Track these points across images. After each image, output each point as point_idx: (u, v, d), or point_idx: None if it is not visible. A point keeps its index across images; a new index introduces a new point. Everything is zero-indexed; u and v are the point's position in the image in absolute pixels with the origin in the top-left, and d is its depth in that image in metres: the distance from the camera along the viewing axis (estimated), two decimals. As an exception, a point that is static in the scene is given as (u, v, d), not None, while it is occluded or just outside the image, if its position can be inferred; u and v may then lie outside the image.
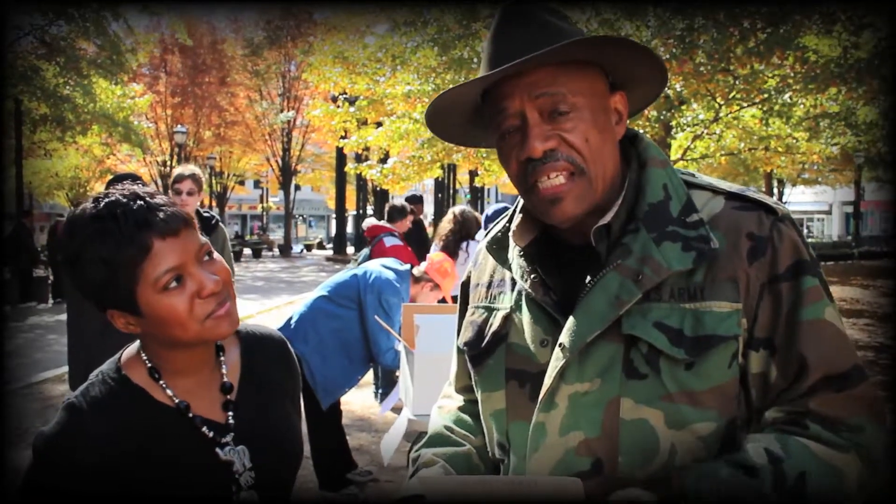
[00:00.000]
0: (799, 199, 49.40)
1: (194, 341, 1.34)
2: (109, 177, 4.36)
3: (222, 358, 1.48)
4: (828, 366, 1.18)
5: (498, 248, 1.43)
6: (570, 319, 1.25)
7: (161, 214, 1.29)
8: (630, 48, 1.25)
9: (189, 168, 4.71)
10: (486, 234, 1.49)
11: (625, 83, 1.33)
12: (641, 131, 1.40)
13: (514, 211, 1.43)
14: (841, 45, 10.71)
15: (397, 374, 5.19)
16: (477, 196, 36.38)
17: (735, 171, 26.39)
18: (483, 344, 1.40)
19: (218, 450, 1.40)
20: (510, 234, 1.40)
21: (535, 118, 1.24)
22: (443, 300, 5.12)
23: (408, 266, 4.98)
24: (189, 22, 31.16)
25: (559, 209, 1.25)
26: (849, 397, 1.17)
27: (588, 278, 1.27)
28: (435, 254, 5.31)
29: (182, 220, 1.31)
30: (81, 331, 3.84)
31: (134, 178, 4.20)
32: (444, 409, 1.58)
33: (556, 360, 1.25)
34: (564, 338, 1.24)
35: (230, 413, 1.44)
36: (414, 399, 3.74)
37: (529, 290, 1.33)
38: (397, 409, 5.93)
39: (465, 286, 1.55)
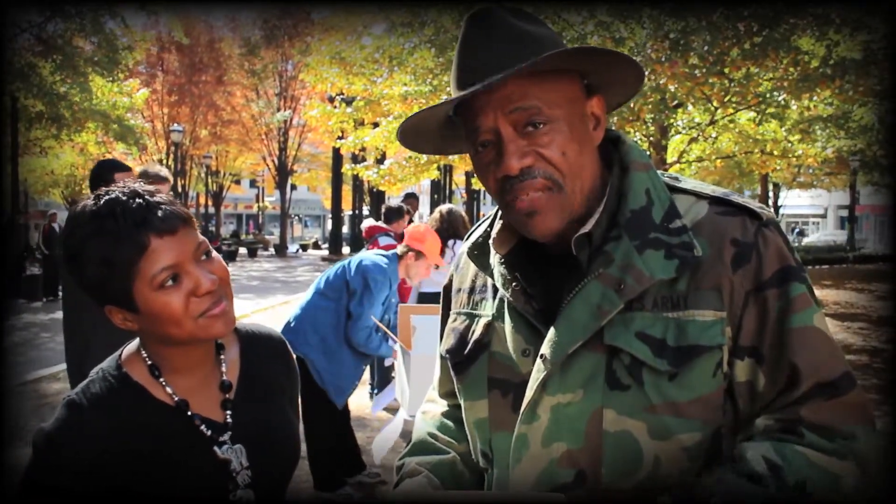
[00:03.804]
0: (794, 202, 49.49)
1: (189, 339, 1.35)
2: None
3: (222, 356, 1.49)
4: (818, 373, 1.16)
5: (479, 254, 1.41)
6: (552, 330, 1.23)
7: (159, 213, 1.29)
8: (604, 55, 1.22)
9: (165, 171, 4.72)
10: (467, 239, 1.47)
11: (601, 86, 1.30)
12: (624, 133, 1.38)
13: (495, 216, 1.41)
14: (824, 44, 10.75)
15: (393, 374, 5.20)
16: (473, 197, 36.37)
17: (731, 175, 26.39)
18: (465, 352, 1.38)
19: (216, 448, 1.40)
20: (491, 240, 1.37)
21: (509, 134, 1.21)
22: (437, 297, 5.12)
23: (394, 250, 4.99)
24: (186, 20, 31.14)
25: (536, 223, 1.23)
26: (839, 404, 1.15)
27: (569, 287, 1.25)
28: (411, 225, 5.29)
29: (180, 218, 1.32)
30: (77, 327, 3.84)
31: (117, 164, 4.18)
32: (429, 414, 1.57)
33: (538, 372, 1.23)
34: (546, 349, 1.22)
35: (228, 412, 1.45)
36: (410, 399, 3.75)
37: (511, 299, 1.31)
38: (391, 409, 5.94)
39: (447, 291, 1.53)
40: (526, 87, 1.20)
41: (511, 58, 1.19)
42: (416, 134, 1.36)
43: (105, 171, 4.13)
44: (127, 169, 4.17)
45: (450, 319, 1.48)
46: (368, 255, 4.81)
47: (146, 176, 4.54)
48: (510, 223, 1.33)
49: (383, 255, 4.82)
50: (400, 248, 4.88)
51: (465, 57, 1.25)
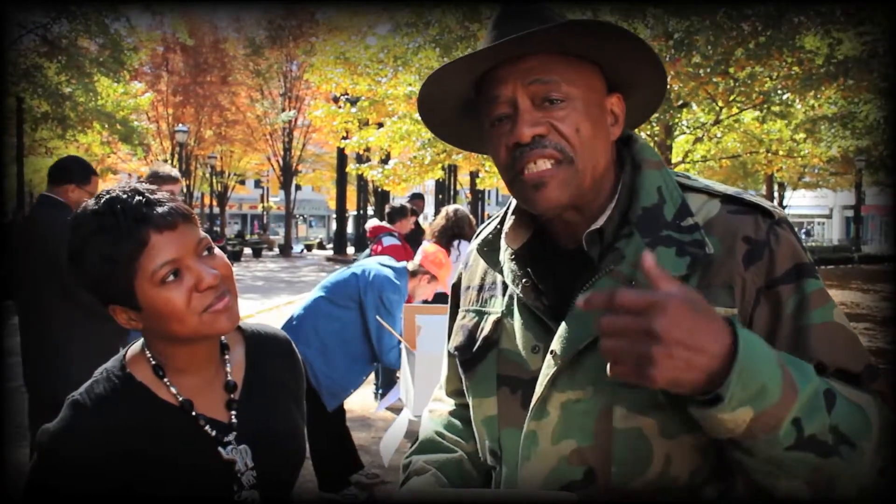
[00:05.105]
0: (799, 202, 49.35)
1: (193, 336, 1.34)
2: (110, 175, 4.35)
3: (227, 356, 1.48)
4: (841, 366, 1.15)
5: (489, 251, 1.41)
6: (562, 326, 1.23)
7: (159, 209, 1.30)
8: (629, 41, 1.22)
9: (175, 171, 4.72)
10: (477, 236, 1.47)
11: (623, 87, 1.31)
12: (636, 133, 1.38)
13: (506, 212, 1.41)
14: (827, 43, 10.74)
15: (398, 374, 5.18)
16: (477, 198, 36.37)
17: (736, 175, 26.36)
18: (474, 349, 1.38)
19: (220, 449, 1.40)
20: (502, 235, 1.37)
21: (526, 105, 1.22)
22: (443, 295, 5.11)
23: (404, 263, 4.97)
24: (191, 21, 31.19)
25: (542, 194, 1.22)
26: (860, 389, 1.14)
27: (581, 283, 1.24)
28: (428, 245, 5.29)
29: (180, 214, 1.32)
30: (48, 332, 3.82)
31: (87, 165, 4.13)
32: (435, 413, 1.57)
33: (548, 368, 1.23)
34: (556, 345, 1.22)
35: (233, 412, 1.44)
36: (415, 399, 3.74)
37: (521, 295, 1.31)
38: (395, 409, 5.93)
39: (456, 288, 1.53)
40: (549, 64, 1.22)
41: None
42: (436, 110, 1.36)
43: (72, 164, 4.06)
44: (94, 172, 4.11)
45: (458, 317, 1.48)
46: (379, 269, 4.71)
47: (156, 176, 4.55)
48: (516, 200, 1.32)
49: (392, 269, 4.76)
50: (412, 266, 4.85)
51: (494, 31, 1.27)
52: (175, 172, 4.65)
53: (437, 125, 1.42)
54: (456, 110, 1.37)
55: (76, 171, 3.99)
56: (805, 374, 1.03)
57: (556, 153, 1.21)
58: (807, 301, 1.17)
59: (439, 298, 5.22)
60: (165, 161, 34.15)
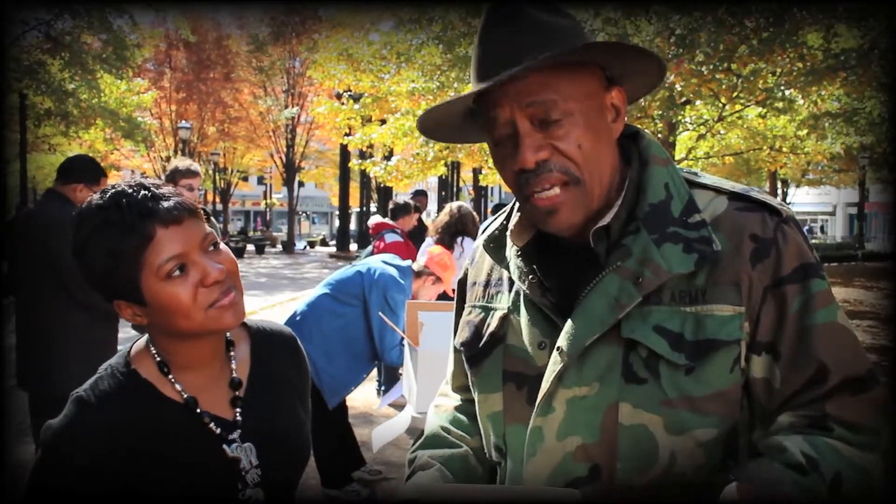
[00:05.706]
0: (803, 199, 49.23)
1: (199, 331, 1.33)
2: (113, 172, 4.35)
3: (232, 353, 1.48)
4: (847, 370, 1.16)
5: (495, 247, 1.41)
6: (569, 322, 1.23)
7: (164, 203, 1.29)
8: (622, 50, 1.22)
9: (195, 165, 4.72)
10: (483, 232, 1.47)
11: (622, 77, 1.30)
12: (643, 129, 1.37)
13: (512, 209, 1.41)
14: (827, 38, 10.74)
15: (400, 370, 5.19)
16: (480, 194, 36.35)
17: (739, 172, 26.30)
18: (480, 344, 1.38)
19: (225, 446, 1.39)
20: (508, 233, 1.37)
21: (525, 128, 1.21)
22: (445, 296, 5.11)
23: (408, 262, 4.96)
24: (193, 18, 31.18)
25: (556, 220, 1.23)
26: (865, 401, 1.15)
27: (587, 280, 1.25)
28: (433, 247, 5.27)
29: (186, 209, 1.31)
30: (44, 329, 3.82)
31: (96, 165, 4.13)
32: (441, 408, 1.56)
33: (554, 364, 1.23)
34: (562, 341, 1.22)
35: (238, 409, 1.43)
36: (417, 396, 3.74)
37: (527, 291, 1.31)
38: (398, 406, 5.93)
39: (462, 284, 1.53)
40: (543, 80, 1.20)
41: (528, 49, 1.18)
42: (437, 125, 1.37)
43: (83, 164, 4.05)
44: (104, 174, 4.10)
45: (465, 312, 1.47)
46: (384, 268, 4.70)
47: (176, 170, 4.54)
48: (528, 218, 1.32)
49: (397, 268, 4.75)
50: (416, 266, 4.85)
51: (483, 47, 1.26)
52: (195, 166, 4.65)
53: (441, 138, 1.44)
54: (458, 122, 1.36)
55: (86, 171, 3.98)
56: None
57: (562, 175, 1.21)
58: (812, 301, 1.18)
59: (441, 298, 5.21)
60: (168, 157, 34.19)
